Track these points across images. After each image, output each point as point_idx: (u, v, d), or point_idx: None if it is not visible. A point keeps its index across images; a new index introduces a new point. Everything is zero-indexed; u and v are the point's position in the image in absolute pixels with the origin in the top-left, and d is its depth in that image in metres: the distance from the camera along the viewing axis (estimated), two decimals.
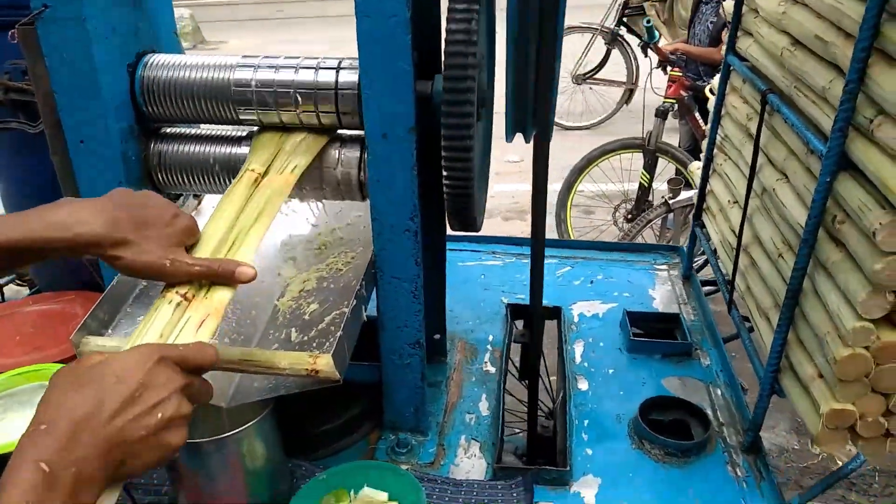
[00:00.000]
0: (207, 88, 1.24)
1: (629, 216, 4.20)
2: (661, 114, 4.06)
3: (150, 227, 0.87)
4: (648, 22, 3.96)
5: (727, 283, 1.57)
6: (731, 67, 1.64)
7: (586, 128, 6.65)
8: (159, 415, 0.68)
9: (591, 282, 1.95)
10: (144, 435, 0.67)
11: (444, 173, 1.17)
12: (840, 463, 3.18)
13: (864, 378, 1.05)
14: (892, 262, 0.96)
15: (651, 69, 4.15)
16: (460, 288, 1.91)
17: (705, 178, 1.82)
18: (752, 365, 1.40)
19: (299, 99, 1.20)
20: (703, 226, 1.87)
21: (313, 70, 1.21)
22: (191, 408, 0.74)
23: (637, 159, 4.21)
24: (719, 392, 1.53)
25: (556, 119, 6.76)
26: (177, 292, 0.92)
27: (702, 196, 1.86)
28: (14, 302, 1.73)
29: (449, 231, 1.50)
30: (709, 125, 1.79)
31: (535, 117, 1.17)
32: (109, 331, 1.22)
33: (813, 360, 1.15)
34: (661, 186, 4.05)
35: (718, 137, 1.75)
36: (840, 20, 1.09)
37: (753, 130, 1.44)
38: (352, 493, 1.21)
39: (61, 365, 1.24)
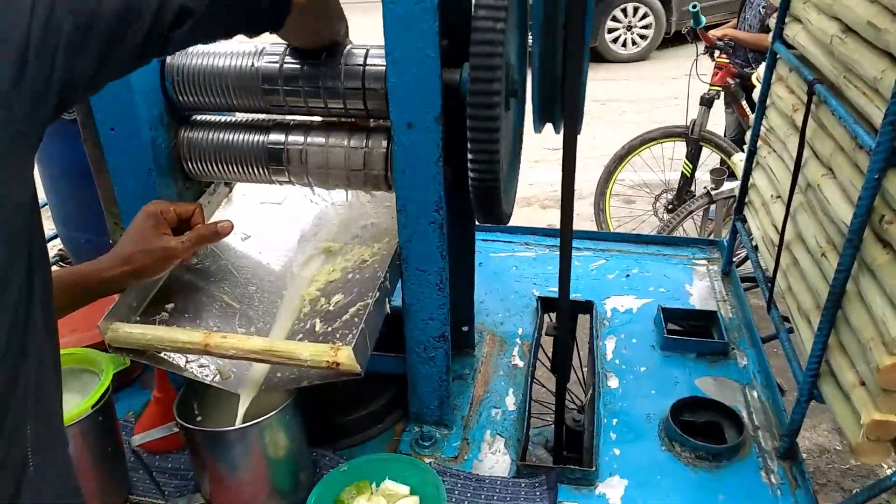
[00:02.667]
0: (235, 76, 1.23)
1: (670, 206, 4.10)
2: (707, 102, 3.94)
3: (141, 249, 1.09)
4: (695, 7, 3.83)
5: (767, 281, 1.51)
6: (778, 55, 1.56)
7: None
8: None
9: (627, 275, 1.90)
10: None
11: (470, 165, 1.14)
12: (887, 469, 3.08)
13: None
14: None
15: (697, 55, 4.01)
16: (491, 279, 1.89)
17: (748, 171, 1.75)
18: (790, 367, 1.34)
19: (327, 86, 1.19)
20: (744, 220, 1.80)
21: (340, 59, 1.19)
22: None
23: (679, 148, 4.09)
24: (755, 394, 1.48)
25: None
26: None
27: (744, 189, 1.79)
28: None
29: None
30: (753, 115, 1.72)
31: (563, 107, 1.13)
32: (137, 317, 1.23)
33: (855, 366, 1.09)
34: (703, 177, 3.94)
35: (763, 128, 1.68)
36: (895, 4, 1.02)
37: (799, 122, 1.37)
38: (373, 485, 1.20)
39: (94, 350, 1.27)
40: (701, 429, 1.37)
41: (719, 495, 1.23)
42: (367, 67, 1.19)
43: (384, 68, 1.14)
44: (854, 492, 1.37)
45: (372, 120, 1.28)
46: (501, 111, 1.09)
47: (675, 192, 4.09)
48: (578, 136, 1.13)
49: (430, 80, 1.08)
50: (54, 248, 2.47)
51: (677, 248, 2.03)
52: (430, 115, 1.10)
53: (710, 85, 3.99)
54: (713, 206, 3.64)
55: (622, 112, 6.69)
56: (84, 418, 1.13)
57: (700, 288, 1.85)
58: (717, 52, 3.94)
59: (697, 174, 4.04)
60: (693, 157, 3.97)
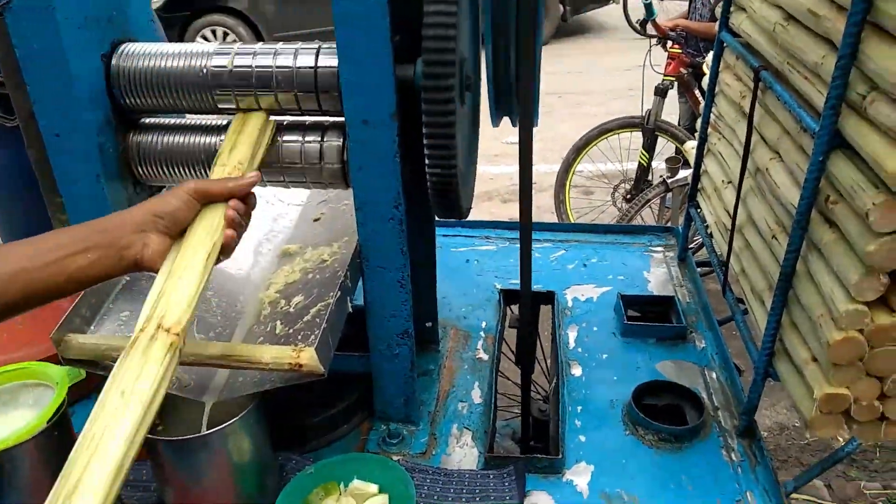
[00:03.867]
0: (185, 77, 1.21)
1: (628, 196, 4.16)
2: (661, 92, 4.01)
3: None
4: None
5: (721, 265, 1.55)
6: (725, 44, 1.60)
7: None
8: None
9: (585, 265, 1.93)
10: None
11: (427, 160, 1.14)
12: (841, 440, 3.18)
13: (857, 362, 1.02)
14: (885, 243, 0.93)
15: (650, 47, 4.08)
16: (453, 274, 1.89)
17: (700, 158, 1.79)
18: (746, 347, 1.37)
19: (279, 84, 1.17)
20: (698, 206, 1.84)
21: (292, 55, 1.18)
22: None
23: (636, 139, 4.16)
24: (714, 375, 1.51)
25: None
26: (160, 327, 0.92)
27: (696, 176, 1.83)
28: None
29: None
30: (703, 104, 1.75)
31: (518, 100, 1.14)
32: (92, 327, 1.20)
33: (807, 343, 1.13)
34: (660, 166, 4.01)
35: (712, 116, 1.72)
36: None
37: (747, 108, 1.40)
38: (342, 485, 1.19)
39: (47, 364, 1.23)
40: (663, 412, 1.39)
41: (682, 475, 1.26)
42: (318, 66, 1.17)
43: (336, 64, 1.13)
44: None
45: (326, 117, 1.27)
46: (456, 105, 1.10)
47: (632, 182, 4.15)
48: (536, 129, 1.14)
49: (383, 76, 1.07)
50: None
51: (634, 236, 2.06)
52: (385, 112, 1.10)
53: (664, 75, 4.06)
54: (669, 195, 3.72)
55: (579, 104, 6.77)
56: (39, 434, 1.09)
57: (657, 274, 1.88)
58: (669, 43, 4.02)
59: (654, 163, 4.11)
60: (649, 146, 4.04)
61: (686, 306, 1.73)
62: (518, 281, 1.31)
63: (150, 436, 1.09)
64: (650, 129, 3.99)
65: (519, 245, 1.27)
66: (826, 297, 1.05)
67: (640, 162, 4.09)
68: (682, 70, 4.03)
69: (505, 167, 5.62)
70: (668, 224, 3.44)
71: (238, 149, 1.14)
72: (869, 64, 0.93)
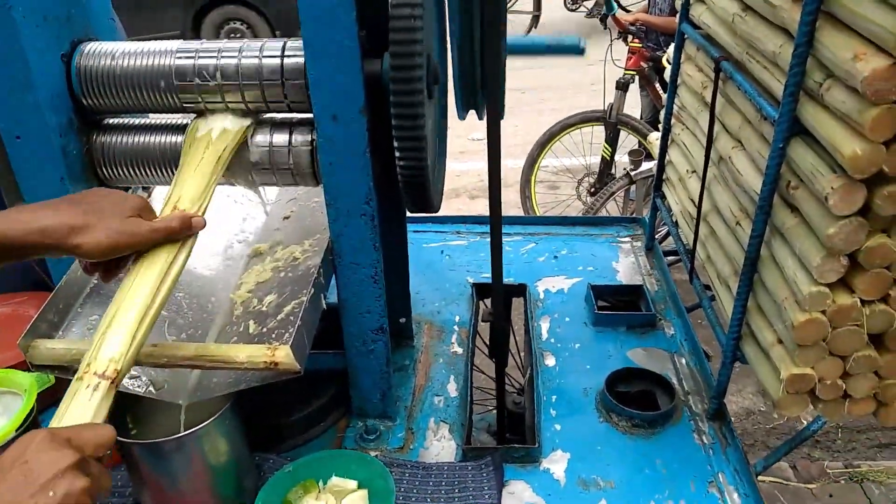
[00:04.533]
0: (148, 76, 1.19)
1: (592, 189, 4.22)
2: (622, 86, 4.06)
3: (102, 211, 0.87)
4: None
5: (688, 253, 1.58)
6: (686, 36, 1.63)
7: None
8: (50, 493, 0.64)
9: (556, 257, 1.95)
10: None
11: (397, 154, 1.15)
12: (805, 423, 3.28)
13: (821, 342, 1.06)
14: (844, 225, 0.96)
15: (611, 41, 4.13)
16: (425, 270, 1.90)
17: (664, 149, 1.82)
18: (714, 335, 1.41)
19: (245, 83, 1.16)
20: (663, 196, 1.87)
21: (257, 51, 1.17)
22: (87, 483, 0.68)
23: (598, 133, 4.21)
24: (684, 361, 1.55)
25: None
26: (94, 372, 0.88)
27: (661, 167, 1.86)
28: None
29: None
30: (664, 97, 1.79)
31: (484, 94, 1.15)
32: (60, 333, 1.18)
33: (772, 326, 1.16)
34: (623, 159, 4.07)
35: (675, 107, 1.75)
36: None
37: (709, 99, 1.43)
38: (320, 483, 1.19)
39: (15, 371, 1.21)
40: (635, 398, 1.42)
41: (656, 459, 1.28)
42: (285, 61, 1.17)
43: (303, 61, 1.13)
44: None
45: (294, 114, 1.26)
46: (424, 99, 1.10)
47: (596, 176, 4.21)
48: (501, 124, 1.15)
49: (351, 71, 1.07)
50: None
51: (602, 227, 2.09)
52: (354, 107, 1.10)
53: (625, 69, 4.13)
54: (633, 187, 3.77)
55: (542, 100, 6.82)
56: (8, 441, 1.07)
57: (626, 264, 1.91)
58: (630, 37, 4.08)
59: (616, 157, 4.17)
60: (612, 140, 4.10)
61: (654, 294, 1.77)
62: (490, 275, 1.32)
63: (124, 439, 1.08)
64: (612, 122, 4.04)
65: (490, 239, 1.28)
66: (790, 280, 1.08)
67: (602, 156, 4.15)
68: (643, 64, 4.10)
69: (472, 163, 5.64)
70: (634, 215, 3.49)
71: (186, 183, 1.10)
72: (825, 52, 0.96)
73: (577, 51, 1.18)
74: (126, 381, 1.14)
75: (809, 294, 1.02)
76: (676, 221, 1.76)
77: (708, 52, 1.44)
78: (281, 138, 1.22)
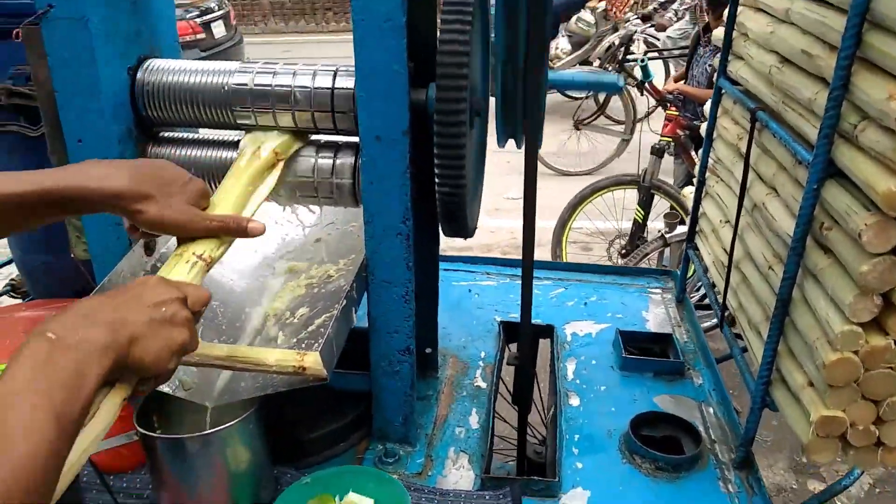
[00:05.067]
0: (206, 92, 1.26)
1: (623, 251, 4.22)
2: (657, 151, 4.11)
3: (170, 187, 0.91)
4: (643, 61, 4.04)
5: (718, 302, 1.57)
6: (723, 91, 1.67)
7: (585, 173, 6.61)
8: (163, 309, 0.73)
9: (585, 303, 1.95)
10: (148, 321, 0.71)
11: (437, 180, 1.19)
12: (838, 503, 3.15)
13: (853, 384, 1.04)
14: (877, 263, 0.96)
15: (648, 109, 4.21)
16: (454, 306, 1.91)
17: (698, 201, 1.84)
18: (744, 380, 1.39)
19: (296, 102, 1.22)
20: (696, 248, 1.88)
21: (310, 75, 1.23)
22: (191, 317, 0.78)
23: (630, 197, 4.24)
24: (711, 410, 1.52)
25: (554, 164, 6.56)
26: (193, 252, 0.96)
27: (694, 219, 1.87)
28: (5, 307, 1.73)
29: (442, 251, 1.52)
30: (701, 149, 1.81)
31: (524, 124, 1.19)
32: None
33: (803, 368, 1.15)
34: (654, 224, 4.10)
35: (710, 160, 1.78)
36: (825, 34, 1.12)
37: (744, 149, 1.46)
38: (337, 498, 1.19)
39: None
40: (660, 443, 1.39)
41: None
42: (335, 87, 1.23)
43: (352, 87, 1.19)
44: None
45: (340, 136, 1.31)
46: (466, 127, 1.14)
47: (628, 238, 4.22)
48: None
49: (398, 94, 1.12)
50: (4, 276, 2.41)
51: (633, 277, 2.09)
52: (397, 128, 1.15)
53: (661, 136, 4.18)
54: (667, 250, 3.76)
55: (577, 166, 6.87)
56: None
57: (656, 314, 1.90)
58: (666, 105, 4.15)
59: (649, 221, 4.18)
60: (645, 204, 4.12)
61: (683, 345, 1.75)
62: (517, 315, 1.34)
63: (149, 433, 1.10)
64: (646, 186, 4.08)
65: (521, 281, 1.30)
66: (822, 320, 1.07)
67: (635, 218, 4.16)
68: (679, 132, 4.15)
69: (505, 221, 5.68)
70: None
71: (228, 192, 1.11)
72: (860, 95, 0.98)
73: (615, 88, 1.22)
74: None
75: (842, 333, 1.01)
76: (707, 270, 1.75)
77: (744, 104, 1.48)
78: (326, 159, 1.27)
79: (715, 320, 1.93)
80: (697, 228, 1.86)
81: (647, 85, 4.11)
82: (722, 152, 1.69)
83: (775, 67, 1.31)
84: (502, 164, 6.62)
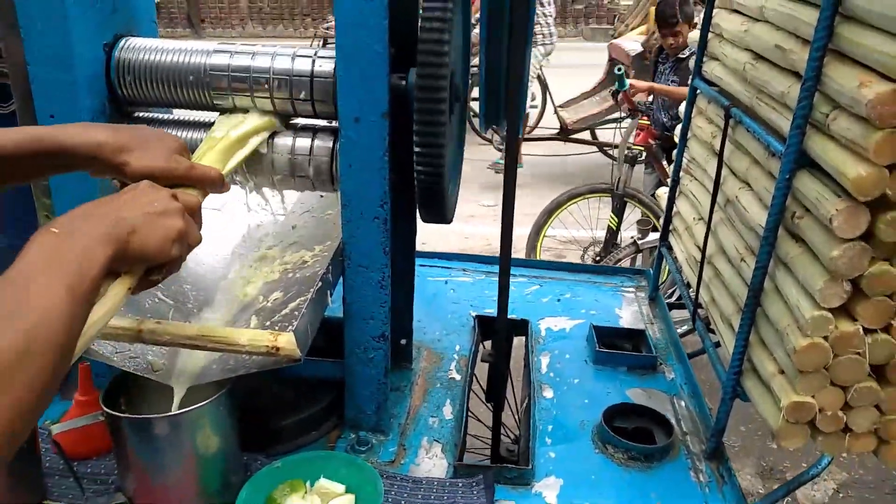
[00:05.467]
0: (183, 73, 1.24)
1: (597, 258, 4.26)
2: (630, 160, 4.17)
3: (148, 141, 0.92)
4: (619, 70, 4.09)
5: (691, 298, 1.59)
6: (698, 91, 1.70)
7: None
8: (155, 204, 0.78)
9: (559, 300, 1.96)
10: (143, 214, 0.76)
11: (417, 165, 1.18)
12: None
13: (822, 370, 1.06)
14: (848, 249, 0.98)
15: (621, 119, 4.28)
16: (429, 301, 1.91)
17: (672, 200, 1.86)
18: (715, 372, 1.40)
19: (275, 84, 1.21)
20: (669, 247, 1.90)
21: (290, 58, 1.22)
22: (183, 208, 0.81)
23: (604, 205, 4.30)
24: (683, 404, 1.53)
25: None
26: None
27: (668, 218, 1.89)
28: None
29: (418, 247, 1.52)
30: (676, 149, 1.84)
31: (506, 111, 1.20)
32: None
33: (773, 357, 1.16)
34: (627, 233, 4.16)
35: (685, 160, 1.80)
36: (797, 28, 1.14)
37: (717, 147, 1.48)
38: (308, 483, 1.17)
39: None
40: (632, 434, 1.40)
41: (652, 493, 1.26)
42: (315, 69, 1.22)
43: (332, 70, 1.18)
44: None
45: (319, 120, 1.30)
46: (447, 109, 1.14)
47: (601, 245, 4.26)
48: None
49: (378, 75, 1.12)
50: None
51: (606, 276, 2.11)
52: (377, 110, 1.14)
53: (632, 145, 4.25)
54: (640, 256, 3.81)
55: (553, 178, 6.93)
56: None
57: (629, 312, 1.92)
58: (639, 115, 4.21)
59: (622, 228, 4.24)
60: (618, 211, 4.18)
61: (656, 341, 1.76)
62: (493, 310, 1.33)
63: (115, 413, 1.07)
64: (619, 194, 4.13)
65: (497, 277, 1.30)
66: (793, 307, 1.09)
67: (609, 225, 4.21)
68: (651, 141, 4.23)
69: (481, 227, 5.70)
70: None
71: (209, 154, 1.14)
72: (832, 85, 1.01)
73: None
74: (124, 362, 1.14)
75: (812, 318, 1.03)
76: (680, 268, 1.77)
77: (718, 102, 1.50)
78: (303, 143, 1.26)
79: (688, 326, 1.96)
80: (671, 227, 1.89)
81: (620, 94, 4.17)
82: (696, 151, 1.71)
83: (749, 64, 1.34)
84: (479, 170, 6.66)
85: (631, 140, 4.23)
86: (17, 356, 0.54)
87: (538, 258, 4.41)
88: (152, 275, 0.80)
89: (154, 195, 0.80)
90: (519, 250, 4.73)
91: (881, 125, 0.90)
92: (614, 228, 4.19)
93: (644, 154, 4.25)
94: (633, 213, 4.37)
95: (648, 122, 4.23)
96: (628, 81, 4.04)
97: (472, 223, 5.80)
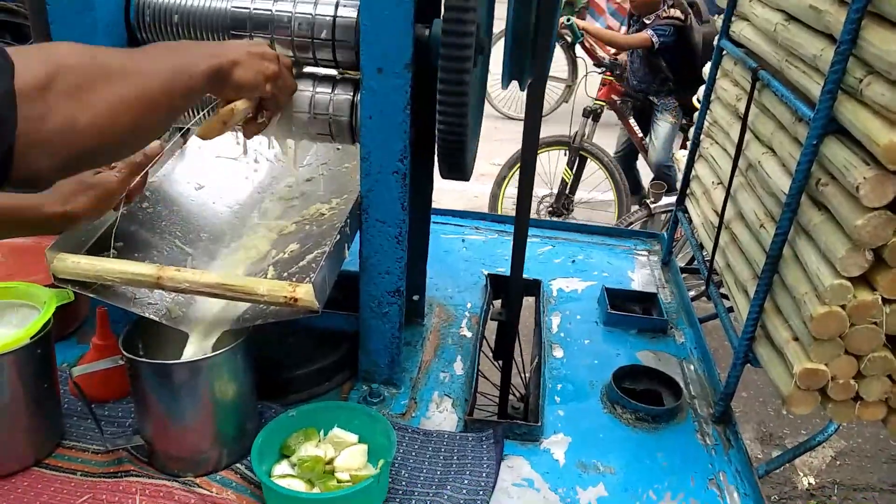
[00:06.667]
0: (204, 16, 1.22)
1: (551, 209, 4.32)
2: (589, 114, 4.13)
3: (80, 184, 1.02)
4: (569, 20, 4.05)
5: (706, 261, 1.59)
6: (724, 52, 1.66)
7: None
8: (256, 48, 0.98)
9: (572, 261, 1.96)
10: (246, 52, 0.94)
11: (439, 117, 1.17)
12: (801, 474, 3.25)
13: (837, 338, 1.06)
14: (872, 218, 0.97)
15: (587, 72, 4.22)
16: (442, 258, 1.91)
17: (690, 163, 1.84)
18: (728, 338, 1.41)
19: (297, 28, 1.19)
20: (685, 211, 1.89)
21: (312, 4, 1.20)
22: (278, 56, 1.03)
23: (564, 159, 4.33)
24: (692, 367, 1.54)
25: (498, 105, 6.76)
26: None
27: (686, 181, 1.88)
28: None
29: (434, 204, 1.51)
30: (639, 134, 1.82)
31: (532, 65, 1.18)
32: (83, 252, 1.19)
33: (789, 324, 1.16)
34: (591, 194, 4.20)
35: (706, 122, 1.77)
36: None
37: (742, 110, 1.46)
38: (321, 432, 1.19)
39: (35, 285, 1.22)
40: (641, 396, 1.41)
41: (658, 453, 1.27)
42: (337, 17, 1.20)
43: (355, 18, 1.16)
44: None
45: (340, 71, 1.29)
46: (471, 61, 1.12)
47: (555, 196, 4.29)
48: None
49: (402, 25, 1.10)
50: None
51: (620, 238, 2.10)
52: (400, 61, 1.12)
53: (595, 99, 4.19)
54: (651, 220, 3.79)
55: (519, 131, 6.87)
56: (21, 348, 1.08)
57: (641, 275, 1.92)
58: (605, 69, 4.20)
59: (580, 185, 4.27)
60: (573, 164, 4.18)
61: (668, 305, 1.77)
62: (505, 269, 1.33)
63: (135, 358, 1.09)
64: (576, 147, 4.12)
65: (510, 238, 1.29)
66: (812, 274, 1.09)
67: (563, 178, 4.26)
68: (614, 97, 4.20)
69: (489, 187, 5.68)
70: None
71: None
72: (868, 48, 0.98)
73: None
74: (142, 308, 1.15)
75: (831, 287, 1.02)
76: (696, 233, 1.76)
77: (745, 64, 1.47)
78: (324, 92, 1.24)
79: (695, 291, 1.96)
80: (688, 191, 1.87)
81: (577, 45, 4.14)
82: (719, 113, 1.69)
83: (781, 25, 1.31)
84: (489, 129, 6.60)
85: (594, 94, 4.20)
86: (118, 77, 0.72)
87: (500, 210, 4.46)
88: (258, 116, 1.03)
89: (257, 44, 0.99)
90: (482, 206, 4.76)
91: None
92: (568, 182, 4.21)
93: (602, 109, 4.22)
94: (594, 172, 4.35)
95: (611, 78, 4.19)
96: (576, 25, 3.95)
97: (481, 182, 5.76)
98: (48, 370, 1.16)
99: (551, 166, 4.38)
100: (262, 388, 1.25)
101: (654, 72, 4.06)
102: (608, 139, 4.82)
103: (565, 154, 4.28)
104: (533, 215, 4.45)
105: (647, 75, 4.11)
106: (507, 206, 4.53)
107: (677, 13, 3.89)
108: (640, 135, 4.30)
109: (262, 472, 1.06)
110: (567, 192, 4.25)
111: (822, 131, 1.07)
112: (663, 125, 4.11)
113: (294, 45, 1.20)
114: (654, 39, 3.88)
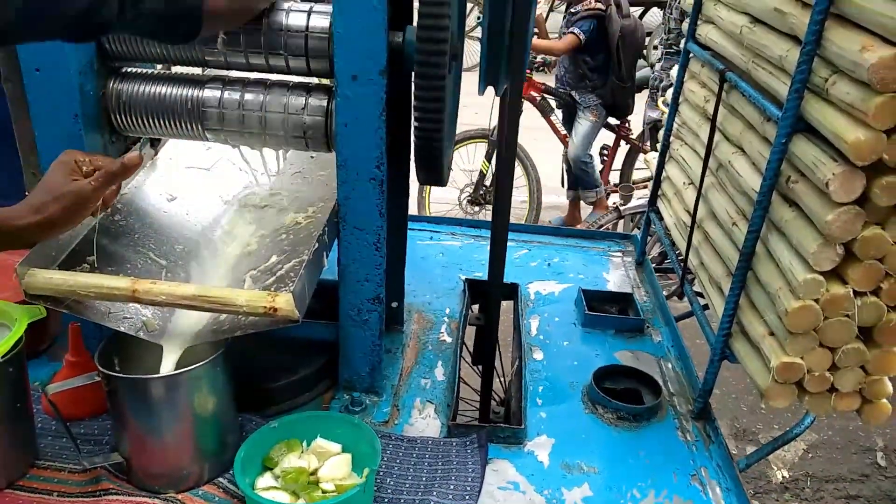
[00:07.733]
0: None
1: (470, 199, 4.53)
2: None
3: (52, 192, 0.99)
4: (479, 19, 4.24)
5: (680, 261, 1.61)
6: (691, 54, 1.69)
7: None
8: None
9: (548, 264, 1.97)
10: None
11: (415, 124, 1.17)
12: (775, 468, 3.30)
13: (812, 332, 1.08)
14: (842, 213, 0.99)
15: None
16: (419, 264, 1.91)
17: (661, 165, 1.87)
18: (704, 334, 1.43)
19: (269, 45, 1.18)
20: (657, 212, 1.91)
21: (283, 12, 1.19)
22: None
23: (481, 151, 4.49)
24: (670, 366, 1.56)
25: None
26: None
27: (657, 183, 1.90)
28: None
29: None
30: (562, 131, 1.85)
31: (508, 70, 1.18)
32: (55, 267, 1.17)
33: (764, 319, 1.18)
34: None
35: (675, 124, 1.80)
36: None
37: (710, 112, 1.48)
38: (304, 443, 1.18)
39: (6, 302, 1.19)
40: (621, 395, 1.42)
41: (640, 451, 1.29)
42: (310, 25, 1.19)
43: (328, 26, 1.16)
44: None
45: (313, 79, 1.28)
46: (447, 67, 1.13)
47: (473, 187, 4.52)
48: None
49: (376, 31, 1.10)
50: None
51: (594, 240, 2.13)
52: (375, 68, 1.12)
53: None
54: (621, 222, 3.84)
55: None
56: None
57: (616, 276, 1.94)
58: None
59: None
60: (490, 157, 4.36)
61: (643, 305, 1.79)
62: (482, 274, 1.33)
63: (112, 373, 1.06)
64: (494, 141, 4.28)
65: (487, 242, 1.29)
66: (785, 270, 1.11)
67: (481, 169, 4.47)
68: (534, 94, 4.37)
69: (455, 192, 5.72)
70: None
71: None
72: (832, 48, 1.01)
73: None
74: (117, 323, 1.13)
75: (804, 281, 1.05)
76: (669, 233, 1.79)
77: (713, 66, 1.50)
78: (297, 99, 1.24)
79: (667, 291, 1.98)
80: (659, 192, 1.90)
81: None
82: (687, 115, 1.72)
83: (746, 28, 1.34)
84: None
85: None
86: None
87: (427, 204, 4.70)
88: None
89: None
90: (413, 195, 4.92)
91: (882, 90, 0.91)
92: (485, 173, 4.44)
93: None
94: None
95: (530, 74, 4.34)
96: None
97: (446, 189, 5.79)
98: (21, 389, 1.13)
99: (472, 158, 4.63)
100: (243, 401, 1.24)
101: (576, 66, 4.31)
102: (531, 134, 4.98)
103: (476, 146, 4.55)
104: (455, 205, 4.55)
105: (568, 70, 4.37)
106: (434, 209, 4.75)
107: (599, 4, 4.12)
108: (564, 131, 4.54)
109: (245, 485, 1.05)
110: (485, 182, 4.46)
111: (790, 130, 1.10)
112: (583, 123, 4.33)
113: (266, 58, 1.19)
114: (582, 38, 4.14)
